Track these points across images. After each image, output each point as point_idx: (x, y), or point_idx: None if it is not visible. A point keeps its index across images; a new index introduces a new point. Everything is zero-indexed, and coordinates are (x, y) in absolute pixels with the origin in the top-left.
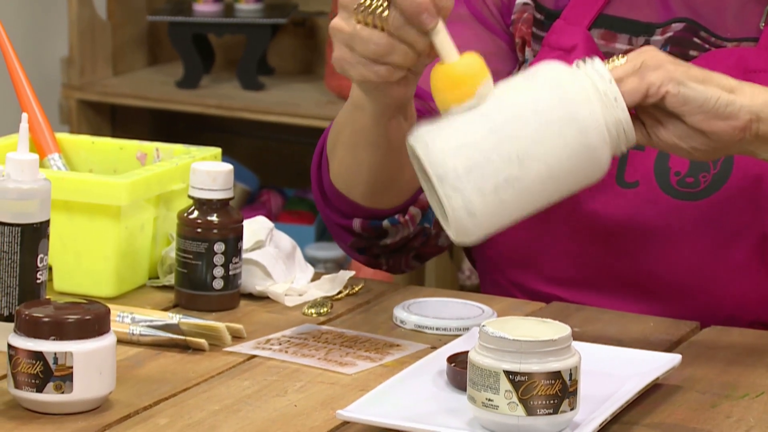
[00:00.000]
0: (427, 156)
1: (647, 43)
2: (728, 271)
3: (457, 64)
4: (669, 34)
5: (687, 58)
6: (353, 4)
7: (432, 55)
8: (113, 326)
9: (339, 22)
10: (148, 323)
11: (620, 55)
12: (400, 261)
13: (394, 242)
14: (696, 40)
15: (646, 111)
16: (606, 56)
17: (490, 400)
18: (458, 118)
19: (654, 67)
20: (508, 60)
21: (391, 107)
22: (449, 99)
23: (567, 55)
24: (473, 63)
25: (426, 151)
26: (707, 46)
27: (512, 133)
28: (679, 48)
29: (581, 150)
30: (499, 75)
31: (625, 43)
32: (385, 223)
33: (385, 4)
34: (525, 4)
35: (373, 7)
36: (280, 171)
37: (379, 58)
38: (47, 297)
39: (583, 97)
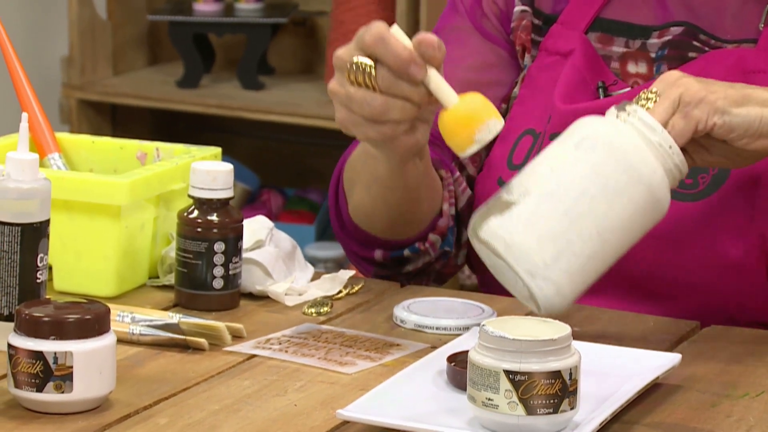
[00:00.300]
0: (511, 253)
1: (644, 46)
2: (727, 272)
3: (459, 107)
4: (667, 37)
5: (686, 61)
6: (344, 66)
7: (434, 101)
8: (113, 326)
9: (334, 85)
10: (148, 323)
11: (648, 91)
12: (420, 283)
13: (416, 268)
14: (695, 42)
15: (691, 141)
16: (604, 59)
17: (490, 399)
18: (525, 205)
19: (695, 102)
20: (510, 69)
21: (404, 156)
22: (462, 143)
23: (563, 60)
24: (475, 101)
25: (508, 248)
26: (706, 48)
27: (585, 210)
28: (677, 51)
29: (650, 206)
30: (501, 85)
31: (621, 46)
32: (406, 252)
33: (373, 63)
34: (523, 11)
35: (362, 67)
36: (281, 171)
37: (378, 118)
38: (47, 296)
39: (642, 155)
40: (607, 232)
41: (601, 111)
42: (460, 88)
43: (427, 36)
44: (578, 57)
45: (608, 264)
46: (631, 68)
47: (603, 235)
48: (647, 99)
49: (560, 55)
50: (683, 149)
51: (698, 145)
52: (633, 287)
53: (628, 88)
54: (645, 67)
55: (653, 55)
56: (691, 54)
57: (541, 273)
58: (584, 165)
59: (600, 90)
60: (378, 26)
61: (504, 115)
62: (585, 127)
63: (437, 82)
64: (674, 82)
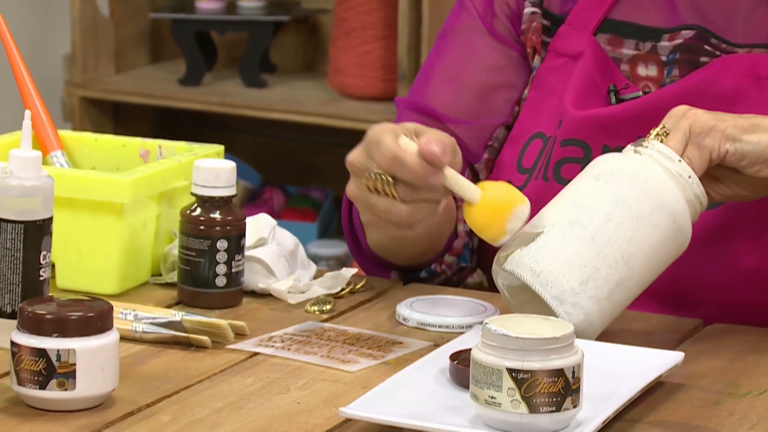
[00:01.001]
0: (539, 281)
1: (654, 48)
2: (738, 278)
3: (485, 201)
4: (678, 41)
5: (697, 65)
6: (359, 173)
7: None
8: (116, 323)
9: (353, 190)
10: (150, 320)
11: (657, 128)
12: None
13: (431, 285)
14: (706, 47)
15: (705, 174)
16: (615, 61)
17: (492, 397)
18: (550, 234)
19: (705, 131)
20: (521, 71)
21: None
22: (494, 236)
23: (573, 62)
24: (498, 192)
25: (535, 276)
26: (717, 53)
27: (610, 237)
28: (689, 55)
29: (672, 234)
30: (512, 87)
31: (632, 48)
32: (423, 273)
33: (391, 178)
34: (533, 12)
35: (381, 178)
36: (283, 168)
37: (405, 222)
38: (50, 294)
39: (663, 183)
40: (632, 258)
41: (614, 117)
42: (472, 90)
43: (430, 147)
44: (588, 60)
45: (634, 293)
46: (641, 71)
47: (629, 261)
48: (657, 135)
49: (569, 57)
50: None
51: (712, 178)
52: (647, 296)
53: (640, 92)
54: (655, 70)
55: (664, 58)
56: (703, 59)
57: (569, 299)
58: (606, 193)
59: (611, 94)
60: (387, 145)
61: (516, 117)
62: (604, 162)
63: (455, 180)
64: (683, 115)
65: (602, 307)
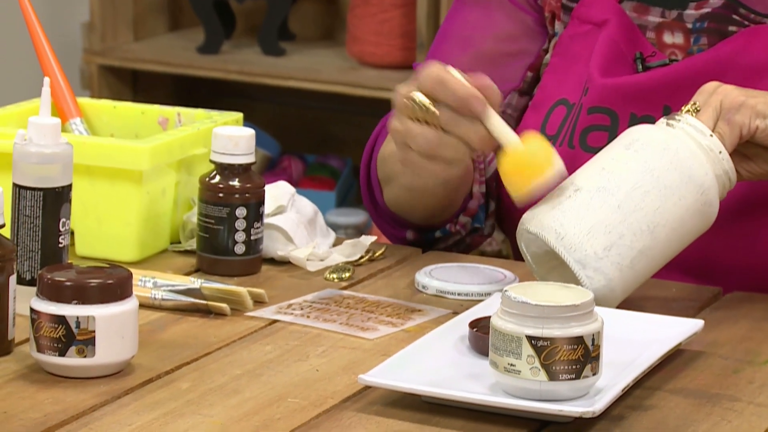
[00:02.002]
0: (562, 244)
1: (680, 16)
2: (760, 251)
3: (521, 152)
4: (706, 9)
5: (725, 35)
6: (404, 103)
7: (494, 144)
8: (135, 291)
9: (395, 123)
10: (170, 288)
11: (688, 104)
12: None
13: (446, 245)
14: (735, 17)
15: (735, 151)
16: (640, 29)
17: (512, 365)
18: (576, 199)
19: (736, 107)
20: (536, 38)
21: (446, 179)
22: (519, 187)
23: (597, 29)
24: (536, 148)
25: (559, 239)
26: (746, 22)
27: (637, 205)
28: (717, 24)
29: (701, 207)
30: (526, 54)
31: (658, 16)
32: (438, 233)
33: (432, 101)
34: None
35: (422, 104)
36: (301, 137)
37: (432, 152)
38: (69, 261)
39: (693, 156)
40: (658, 228)
41: (641, 86)
42: (485, 58)
43: (481, 78)
44: (614, 27)
45: (657, 263)
46: (668, 38)
47: (654, 231)
48: (688, 112)
49: (594, 24)
50: None
51: (742, 155)
52: (669, 267)
53: (666, 60)
54: (681, 38)
55: (690, 26)
56: (731, 28)
57: (591, 264)
58: (636, 162)
59: (638, 62)
60: (435, 69)
61: (532, 83)
62: (635, 132)
63: (496, 121)
64: (713, 91)
65: (624, 275)
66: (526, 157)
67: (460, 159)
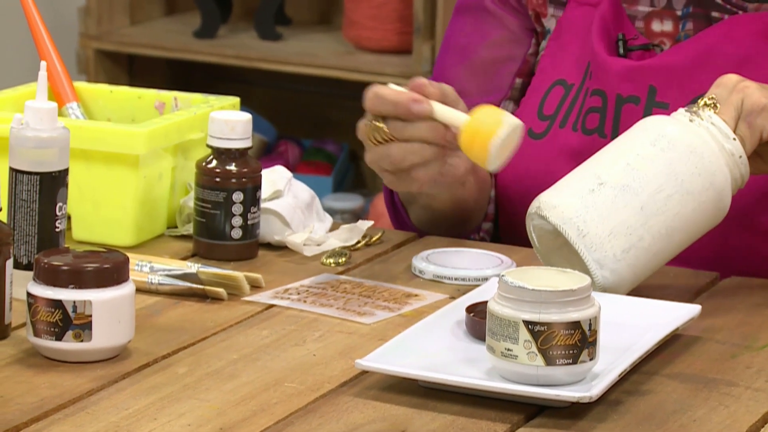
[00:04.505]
0: (584, 242)
1: (669, 4)
2: (756, 237)
3: (468, 126)
4: None
5: (710, 20)
6: (363, 133)
7: (443, 139)
8: (132, 275)
9: (366, 155)
10: (166, 272)
11: (706, 97)
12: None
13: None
14: (718, 1)
15: None
16: (630, 19)
17: (509, 350)
18: (600, 195)
19: (758, 110)
20: (521, 43)
21: (452, 188)
22: (479, 158)
23: (593, 9)
24: (480, 115)
25: (581, 236)
26: (729, 6)
27: (659, 208)
28: (701, 9)
29: (714, 211)
30: (513, 60)
31: (647, 5)
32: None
33: (380, 118)
34: None
35: (375, 126)
36: (298, 122)
37: (400, 166)
38: (66, 246)
39: (717, 161)
40: (674, 232)
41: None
42: (480, 68)
43: (417, 79)
44: (605, 7)
45: (665, 262)
46: (656, 26)
47: (671, 235)
48: (706, 105)
49: (590, 5)
50: None
51: (755, 154)
52: None
53: (649, 44)
54: (671, 25)
55: (679, 12)
56: (714, 13)
57: (609, 265)
58: (661, 163)
59: (620, 43)
60: (374, 89)
61: (523, 88)
62: (660, 126)
63: (442, 111)
64: (733, 87)
65: (636, 275)
66: (475, 125)
67: (427, 159)
